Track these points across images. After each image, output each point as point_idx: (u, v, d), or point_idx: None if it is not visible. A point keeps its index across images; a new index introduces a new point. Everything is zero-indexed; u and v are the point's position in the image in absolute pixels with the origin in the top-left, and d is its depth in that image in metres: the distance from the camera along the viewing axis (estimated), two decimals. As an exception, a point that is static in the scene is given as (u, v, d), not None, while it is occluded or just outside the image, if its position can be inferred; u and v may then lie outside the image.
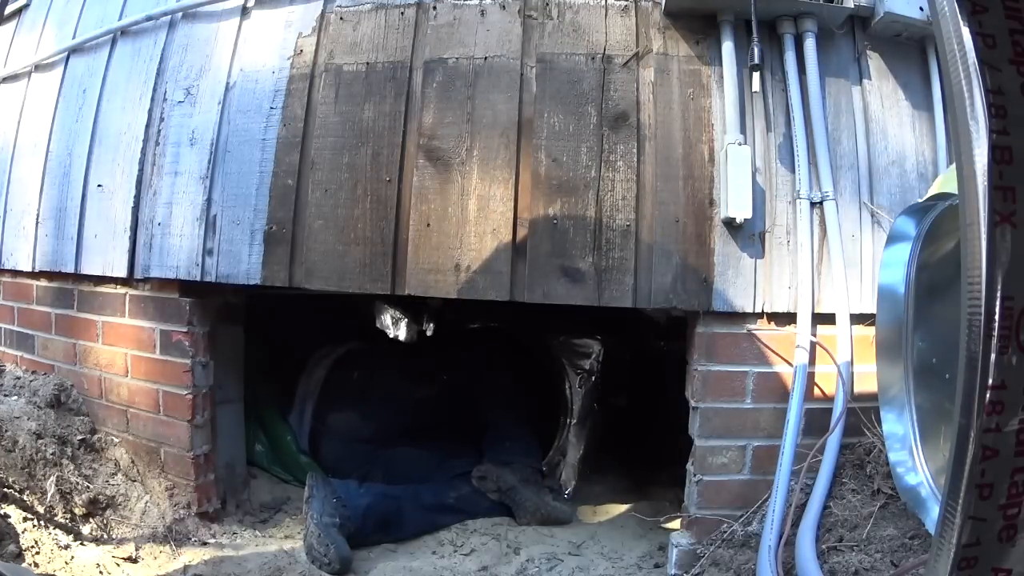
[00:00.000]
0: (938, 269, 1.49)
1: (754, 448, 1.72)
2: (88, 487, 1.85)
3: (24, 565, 1.50)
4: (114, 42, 2.17)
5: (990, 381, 0.56)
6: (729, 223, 1.72)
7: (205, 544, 1.86)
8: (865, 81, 1.83)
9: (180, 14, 2.08)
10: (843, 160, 1.79)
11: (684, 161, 1.76)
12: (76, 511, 1.79)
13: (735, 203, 1.66)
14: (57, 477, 1.78)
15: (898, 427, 1.55)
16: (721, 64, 1.78)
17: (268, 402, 2.41)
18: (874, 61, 1.84)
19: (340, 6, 1.94)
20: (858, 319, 1.72)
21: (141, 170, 2.01)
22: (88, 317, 2.11)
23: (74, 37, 2.24)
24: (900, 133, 1.83)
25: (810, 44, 1.79)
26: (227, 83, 1.96)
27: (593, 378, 2.48)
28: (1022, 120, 0.56)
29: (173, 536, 1.83)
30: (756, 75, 1.73)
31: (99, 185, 2.08)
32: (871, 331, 1.66)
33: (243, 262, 1.88)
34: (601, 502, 2.38)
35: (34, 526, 1.64)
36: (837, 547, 1.47)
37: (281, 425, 2.37)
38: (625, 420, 2.87)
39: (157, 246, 1.97)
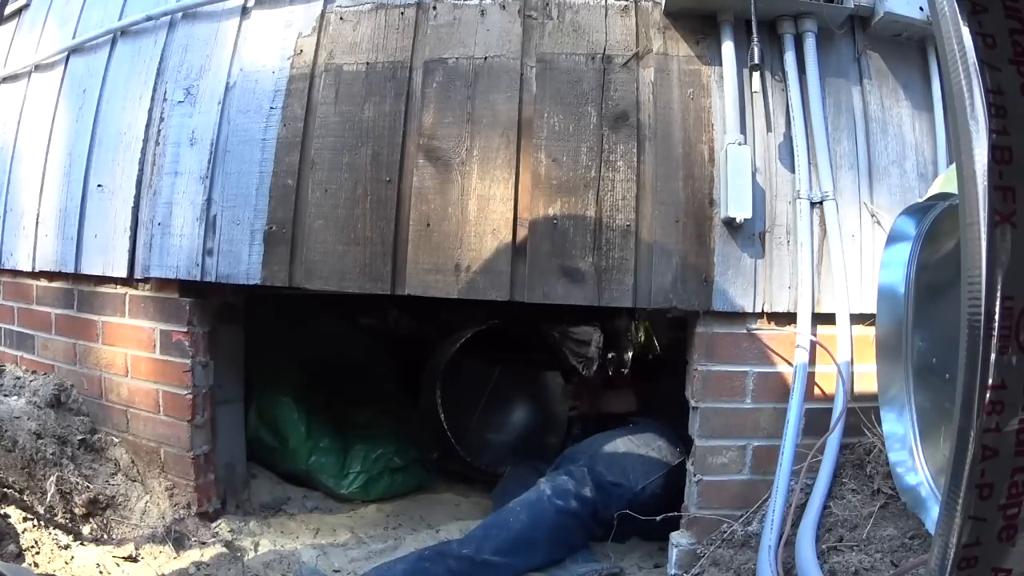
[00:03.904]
0: (938, 269, 1.49)
1: (754, 448, 1.72)
2: (88, 487, 1.85)
3: (24, 565, 1.50)
4: (114, 42, 2.17)
5: (990, 381, 0.56)
6: (729, 223, 1.72)
7: (205, 544, 1.86)
8: (865, 81, 1.83)
9: (180, 14, 2.08)
10: (843, 160, 1.79)
11: (684, 161, 1.76)
12: (76, 511, 1.79)
13: (735, 203, 1.66)
14: (57, 477, 1.78)
15: (898, 427, 1.54)
16: (721, 64, 1.78)
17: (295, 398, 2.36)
18: (874, 61, 1.84)
19: (340, 6, 1.94)
20: (858, 319, 1.72)
21: (141, 170, 2.01)
22: (88, 317, 2.11)
23: (74, 37, 2.24)
24: (900, 133, 1.83)
25: (810, 44, 1.79)
26: (227, 83, 1.96)
27: (595, 365, 2.49)
28: (1022, 120, 0.56)
29: (173, 536, 1.83)
30: (756, 75, 1.73)
31: (99, 185, 2.08)
32: (871, 331, 1.66)
33: (243, 262, 1.88)
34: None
35: (34, 526, 1.64)
36: (837, 547, 1.47)
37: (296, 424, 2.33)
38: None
39: (157, 246, 1.96)
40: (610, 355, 2.77)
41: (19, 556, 1.52)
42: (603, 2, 1.86)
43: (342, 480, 2.28)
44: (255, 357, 2.32)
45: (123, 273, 2.00)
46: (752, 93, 1.77)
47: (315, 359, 2.61)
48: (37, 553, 1.58)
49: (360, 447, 2.34)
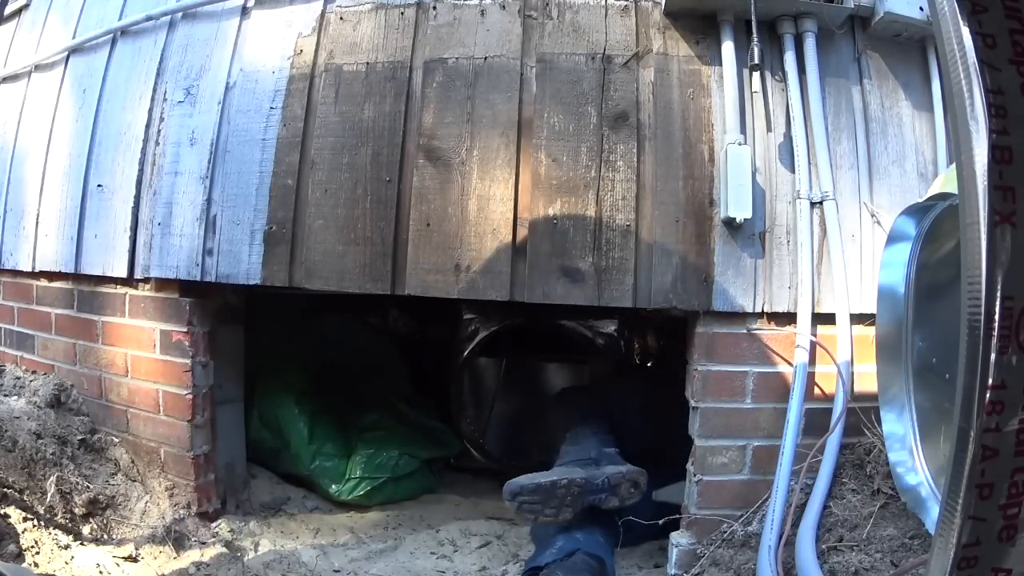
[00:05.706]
0: (938, 269, 1.49)
1: (754, 448, 1.72)
2: (88, 487, 1.85)
3: (24, 565, 1.50)
4: (114, 42, 2.17)
5: (990, 381, 0.56)
6: (729, 223, 1.72)
7: (205, 544, 1.86)
8: (865, 81, 1.83)
9: (180, 14, 2.08)
10: (843, 160, 1.79)
11: (684, 161, 1.76)
12: (76, 511, 1.79)
13: (735, 203, 1.66)
14: (57, 477, 1.78)
15: (898, 427, 1.55)
16: (721, 64, 1.78)
17: (299, 398, 2.34)
18: (874, 61, 1.84)
19: (340, 6, 1.94)
20: (858, 319, 1.72)
21: (141, 170, 2.01)
22: (88, 317, 2.11)
23: (74, 37, 2.24)
24: (900, 133, 1.83)
25: (810, 44, 1.79)
26: (227, 83, 1.96)
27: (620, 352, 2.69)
28: (1022, 120, 0.56)
29: (173, 536, 1.83)
30: (756, 75, 1.73)
31: (99, 185, 2.08)
32: (871, 331, 1.66)
33: (243, 262, 1.88)
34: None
35: (34, 526, 1.64)
36: (837, 547, 1.47)
37: (299, 426, 2.31)
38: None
39: (157, 246, 1.96)
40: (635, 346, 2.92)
41: (19, 556, 1.52)
42: (603, 2, 1.86)
43: (344, 486, 2.24)
44: (258, 357, 2.31)
45: (123, 273, 2.00)
46: (752, 93, 1.77)
47: (321, 359, 2.59)
48: (37, 553, 1.58)
49: (363, 452, 2.29)
